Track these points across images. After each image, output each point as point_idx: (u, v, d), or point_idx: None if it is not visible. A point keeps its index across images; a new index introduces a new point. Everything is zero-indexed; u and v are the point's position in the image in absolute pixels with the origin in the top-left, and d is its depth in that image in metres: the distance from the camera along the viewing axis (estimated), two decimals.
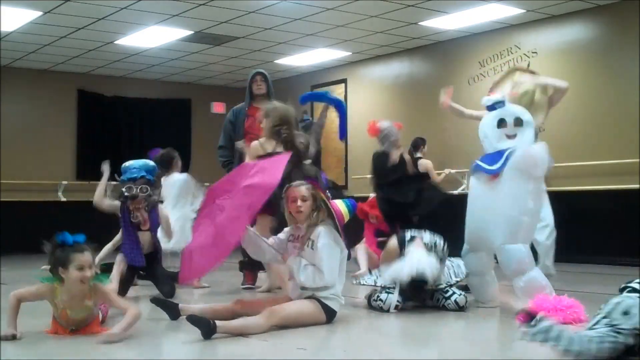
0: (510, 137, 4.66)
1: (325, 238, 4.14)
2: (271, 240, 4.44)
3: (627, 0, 8.34)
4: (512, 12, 8.85)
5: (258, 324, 3.93)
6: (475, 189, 4.84)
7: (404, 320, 4.68)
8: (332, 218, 4.23)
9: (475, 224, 4.80)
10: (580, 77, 8.71)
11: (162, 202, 6.41)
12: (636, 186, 7.93)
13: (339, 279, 4.26)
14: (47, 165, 11.62)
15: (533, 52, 9.26)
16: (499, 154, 4.63)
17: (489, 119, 4.77)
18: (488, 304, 4.86)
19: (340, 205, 4.30)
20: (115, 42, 10.07)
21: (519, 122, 4.70)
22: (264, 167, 4.31)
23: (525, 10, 8.79)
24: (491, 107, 4.79)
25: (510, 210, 4.55)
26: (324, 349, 3.70)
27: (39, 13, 8.62)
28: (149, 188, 5.62)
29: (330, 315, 4.20)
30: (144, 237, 5.67)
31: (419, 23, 9.32)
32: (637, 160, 7.96)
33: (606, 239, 7.95)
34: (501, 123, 4.71)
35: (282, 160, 4.34)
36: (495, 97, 4.83)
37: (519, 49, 9.42)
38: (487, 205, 4.67)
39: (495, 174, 4.62)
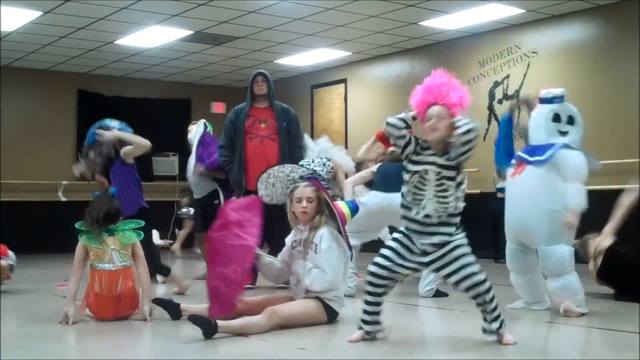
0: (563, 133, 4.66)
1: (327, 241, 4.15)
2: (282, 255, 4.45)
3: (627, 0, 8.34)
4: (512, 12, 8.85)
5: (259, 324, 3.93)
6: (515, 184, 4.74)
7: (405, 320, 4.69)
8: (335, 220, 4.23)
9: (517, 220, 4.71)
10: (580, 77, 8.71)
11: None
12: (636, 186, 7.92)
13: (342, 280, 4.27)
14: (47, 165, 11.61)
15: (533, 52, 9.27)
16: (549, 146, 4.60)
17: (545, 111, 4.72)
18: (536, 306, 4.80)
19: (342, 206, 4.31)
20: (115, 42, 10.07)
21: (572, 120, 4.71)
22: (241, 222, 4.26)
23: (525, 10, 8.80)
24: (548, 101, 4.74)
25: (553, 205, 4.49)
26: (324, 349, 3.71)
27: (39, 13, 8.62)
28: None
29: (332, 316, 4.20)
30: None
31: (419, 23, 9.32)
32: (637, 160, 7.97)
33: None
34: (556, 117, 4.70)
35: (256, 210, 4.31)
36: (556, 91, 4.78)
37: (519, 49, 9.42)
38: (528, 200, 4.58)
39: (537, 164, 4.59)
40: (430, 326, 4.76)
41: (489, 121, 9.79)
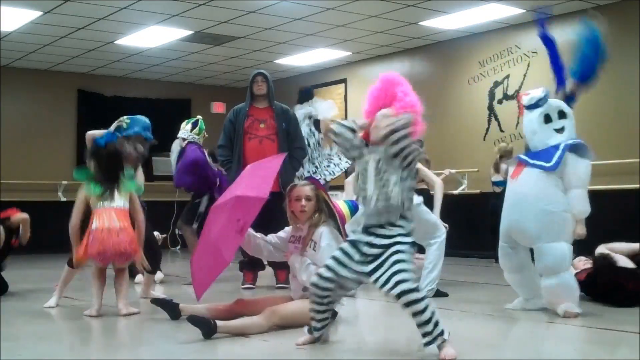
0: (559, 130, 4.64)
1: (327, 239, 4.14)
2: (270, 237, 4.44)
3: (627, 0, 8.34)
4: (512, 12, 8.85)
5: (258, 324, 3.93)
6: (514, 185, 4.71)
7: (405, 320, 4.68)
8: (334, 219, 4.23)
9: (515, 220, 4.68)
10: None
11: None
12: (636, 186, 7.93)
13: None
14: (47, 165, 11.61)
15: (533, 52, 9.26)
16: (552, 149, 4.56)
17: (535, 116, 4.69)
18: (533, 303, 4.77)
19: (342, 206, 4.32)
20: (115, 42, 10.08)
21: (562, 114, 4.68)
22: (257, 172, 4.26)
23: (525, 10, 8.79)
24: (535, 106, 4.71)
25: (551, 204, 4.48)
26: (324, 349, 3.70)
27: (39, 13, 8.62)
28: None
29: (331, 315, 4.19)
30: None
31: (419, 23, 9.33)
32: (637, 160, 7.97)
33: (606, 239, 7.95)
34: (547, 118, 4.66)
35: (275, 165, 4.27)
36: (538, 94, 4.74)
37: (519, 49, 9.42)
38: (527, 200, 4.55)
39: (548, 170, 4.53)
40: None
41: (489, 121, 9.79)
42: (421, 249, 6.16)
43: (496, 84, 9.72)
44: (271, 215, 5.47)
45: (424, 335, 3.29)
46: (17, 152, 11.34)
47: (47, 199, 11.37)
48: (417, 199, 5.72)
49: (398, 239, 3.37)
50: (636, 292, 4.88)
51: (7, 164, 11.14)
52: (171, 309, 4.39)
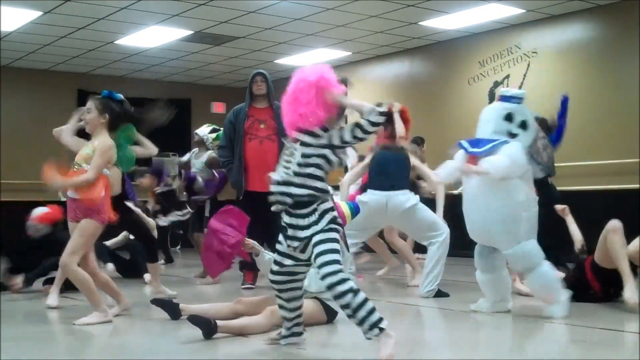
0: (512, 135, 4.47)
1: None
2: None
3: (627, 0, 8.34)
4: (512, 12, 8.86)
5: (259, 324, 3.93)
6: (469, 187, 4.59)
7: (406, 320, 4.69)
8: None
9: (474, 224, 4.59)
10: (580, 77, 8.72)
11: None
12: (636, 186, 7.93)
13: None
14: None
15: (533, 52, 9.27)
16: (489, 141, 4.43)
17: (498, 108, 4.57)
18: (500, 308, 4.74)
19: (343, 207, 4.30)
20: (115, 42, 10.08)
21: (524, 125, 4.52)
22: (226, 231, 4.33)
23: (525, 10, 8.80)
24: (506, 99, 4.58)
25: (509, 206, 4.36)
26: (324, 349, 3.70)
27: (39, 13, 8.63)
28: None
29: (331, 315, 4.20)
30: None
31: (419, 23, 9.33)
32: (637, 160, 7.97)
33: None
34: (508, 117, 4.50)
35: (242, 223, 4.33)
36: (517, 91, 4.64)
37: (519, 49, 9.42)
38: (481, 203, 4.45)
39: (474, 155, 4.41)
40: (430, 326, 4.76)
41: None
42: (422, 249, 6.18)
43: (496, 84, 9.72)
44: (272, 216, 5.45)
45: (358, 325, 3.24)
46: (17, 152, 11.34)
47: (47, 199, 11.36)
48: (414, 199, 5.73)
49: (320, 226, 3.33)
50: (599, 294, 4.96)
51: (7, 164, 11.14)
52: (171, 308, 4.39)
